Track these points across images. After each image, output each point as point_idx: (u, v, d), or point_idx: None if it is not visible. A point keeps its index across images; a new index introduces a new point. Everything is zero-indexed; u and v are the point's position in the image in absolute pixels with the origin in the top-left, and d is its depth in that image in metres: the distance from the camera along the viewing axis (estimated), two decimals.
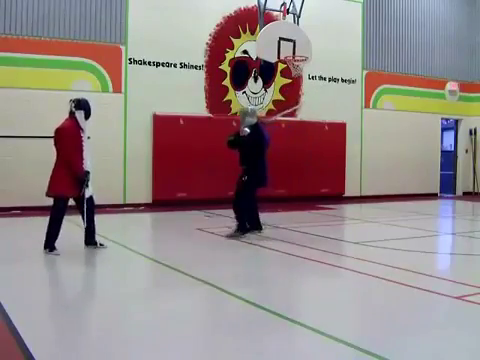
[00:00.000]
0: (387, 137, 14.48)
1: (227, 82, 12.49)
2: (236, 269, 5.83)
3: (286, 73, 12.63)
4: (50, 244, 6.41)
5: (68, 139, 6.36)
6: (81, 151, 6.43)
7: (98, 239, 6.77)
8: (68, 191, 6.54)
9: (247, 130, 7.51)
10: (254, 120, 7.69)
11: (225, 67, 12.45)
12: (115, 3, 11.24)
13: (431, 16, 15.45)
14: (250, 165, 7.57)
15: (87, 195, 6.60)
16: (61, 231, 6.46)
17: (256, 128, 7.64)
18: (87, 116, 6.54)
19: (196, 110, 11.85)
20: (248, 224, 7.67)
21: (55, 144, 6.48)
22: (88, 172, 6.47)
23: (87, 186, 6.51)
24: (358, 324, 4.25)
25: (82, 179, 6.42)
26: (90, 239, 6.76)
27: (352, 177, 13.95)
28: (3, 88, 10.25)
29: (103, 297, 4.73)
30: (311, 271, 5.85)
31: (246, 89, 12.76)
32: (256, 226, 7.77)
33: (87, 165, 6.49)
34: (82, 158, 6.43)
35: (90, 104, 6.62)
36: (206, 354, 3.48)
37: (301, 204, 12.00)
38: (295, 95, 13.29)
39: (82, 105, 6.54)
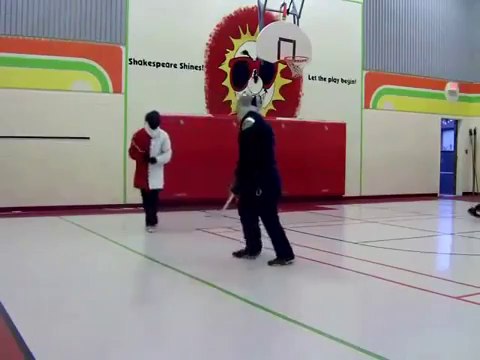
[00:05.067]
0: (387, 137, 14.48)
1: (227, 82, 12.49)
2: (236, 269, 5.83)
3: (286, 73, 12.63)
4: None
5: (133, 140, 8.29)
6: (148, 151, 8.07)
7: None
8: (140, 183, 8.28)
9: (251, 120, 5.79)
10: (252, 109, 5.95)
11: (225, 67, 12.46)
12: (115, 3, 11.25)
13: (431, 16, 15.46)
14: (263, 170, 5.83)
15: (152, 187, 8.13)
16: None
17: (258, 120, 5.87)
18: (152, 126, 8.11)
19: (196, 110, 11.86)
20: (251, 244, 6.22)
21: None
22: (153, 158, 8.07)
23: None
24: (358, 324, 4.26)
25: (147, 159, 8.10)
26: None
27: (352, 177, 13.95)
28: (3, 88, 10.25)
29: (103, 297, 4.73)
30: (311, 271, 5.85)
31: (246, 89, 12.75)
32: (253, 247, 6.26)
33: (154, 165, 8.09)
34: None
35: (154, 115, 8.16)
36: (206, 354, 3.48)
37: (301, 204, 11.99)
38: (295, 95, 13.30)
39: (146, 118, 8.17)
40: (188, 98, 11.79)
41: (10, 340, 3.57)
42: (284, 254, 5.96)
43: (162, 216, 9.11)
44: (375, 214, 11.33)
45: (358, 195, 14.11)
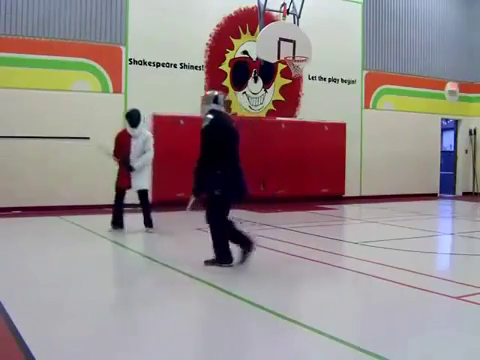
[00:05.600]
0: (387, 137, 14.49)
1: (227, 82, 12.50)
2: (235, 269, 5.82)
3: (286, 73, 12.64)
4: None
5: (115, 141, 8.13)
6: (128, 151, 7.85)
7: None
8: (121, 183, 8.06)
9: (209, 117, 5.68)
10: (213, 107, 5.78)
11: (225, 67, 12.46)
12: (115, 4, 11.25)
13: (431, 16, 15.46)
14: (224, 168, 5.60)
15: (135, 188, 7.99)
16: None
17: (218, 117, 5.72)
18: (132, 124, 7.85)
19: (196, 110, 11.79)
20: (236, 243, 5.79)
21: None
22: (131, 166, 7.83)
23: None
24: (358, 324, 4.26)
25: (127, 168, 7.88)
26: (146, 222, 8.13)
27: (352, 177, 13.95)
28: (3, 88, 10.25)
29: (103, 297, 4.73)
30: (311, 271, 5.85)
31: (246, 89, 12.76)
32: (244, 242, 5.76)
33: (133, 162, 7.84)
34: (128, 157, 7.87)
35: (134, 114, 7.90)
36: (206, 354, 3.48)
37: (301, 204, 11.99)
38: (295, 95, 13.30)
39: (126, 116, 8.02)
40: (188, 98, 11.77)
41: (10, 340, 3.57)
42: (222, 257, 5.68)
43: (162, 216, 9.13)
44: (375, 214, 11.33)
45: (358, 195, 14.11)
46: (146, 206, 8.06)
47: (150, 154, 7.94)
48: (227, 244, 5.73)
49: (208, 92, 6.01)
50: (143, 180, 7.95)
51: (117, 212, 8.07)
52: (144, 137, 7.89)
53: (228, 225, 5.78)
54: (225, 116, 5.96)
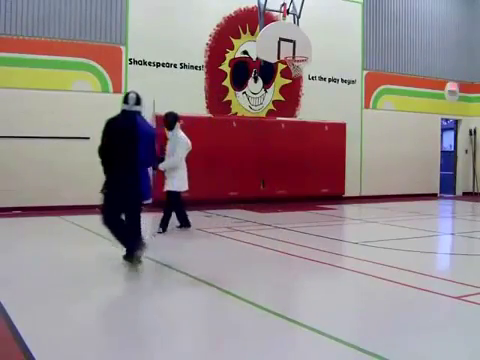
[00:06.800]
0: (387, 137, 14.49)
1: (227, 82, 12.50)
2: (236, 269, 5.83)
3: (286, 73, 12.64)
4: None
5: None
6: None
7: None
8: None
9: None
10: (123, 107, 5.79)
11: (225, 67, 12.46)
12: (115, 4, 11.25)
13: (431, 16, 15.47)
14: (110, 171, 6.02)
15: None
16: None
17: (110, 120, 5.87)
18: (167, 127, 8.07)
19: (196, 110, 11.85)
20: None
21: None
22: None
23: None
24: (358, 324, 4.25)
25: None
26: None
27: (352, 177, 13.95)
28: (3, 88, 10.25)
29: (103, 297, 4.73)
30: (311, 271, 5.85)
31: (246, 89, 12.77)
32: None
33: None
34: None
35: (169, 117, 8.07)
36: (206, 354, 3.48)
37: (301, 204, 12.00)
38: (295, 95, 13.30)
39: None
40: (188, 98, 11.79)
41: (10, 340, 3.57)
42: (133, 246, 5.63)
43: (159, 216, 9.09)
44: (375, 214, 11.33)
45: (358, 195, 14.11)
46: (166, 207, 8.10)
47: (171, 159, 7.92)
48: (126, 233, 5.76)
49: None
50: (167, 182, 8.03)
51: (177, 214, 8.24)
52: (173, 140, 7.99)
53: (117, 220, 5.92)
54: (124, 117, 5.73)
